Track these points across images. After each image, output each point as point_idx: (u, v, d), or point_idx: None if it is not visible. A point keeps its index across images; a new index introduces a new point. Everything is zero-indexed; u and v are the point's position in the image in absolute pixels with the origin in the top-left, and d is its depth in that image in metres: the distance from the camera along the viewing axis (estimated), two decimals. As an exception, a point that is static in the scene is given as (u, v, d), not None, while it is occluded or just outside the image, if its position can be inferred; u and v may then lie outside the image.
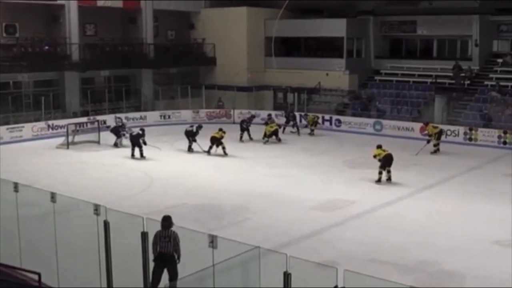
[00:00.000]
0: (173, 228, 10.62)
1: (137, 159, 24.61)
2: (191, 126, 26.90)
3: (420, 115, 31.84)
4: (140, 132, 25.16)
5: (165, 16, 38.30)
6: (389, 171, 20.46)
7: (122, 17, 36.56)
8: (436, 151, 25.94)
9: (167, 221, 10.65)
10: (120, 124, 28.37)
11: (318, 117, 31.87)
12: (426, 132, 27.09)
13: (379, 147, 20.99)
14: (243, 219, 16.66)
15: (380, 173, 20.38)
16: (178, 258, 10.59)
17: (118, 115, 31.51)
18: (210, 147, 25.44)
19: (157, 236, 10.55)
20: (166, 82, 38.39)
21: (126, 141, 26.85)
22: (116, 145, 27.31)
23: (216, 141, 25.31)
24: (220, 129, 25.70)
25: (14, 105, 31.59)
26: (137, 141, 24.88)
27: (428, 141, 26.07)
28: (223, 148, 25.32)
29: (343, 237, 15.17)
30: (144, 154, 24.73)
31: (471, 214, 17.16)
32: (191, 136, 26.15)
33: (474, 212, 17.31)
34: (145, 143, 24.91)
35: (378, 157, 20.58)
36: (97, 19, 35.38)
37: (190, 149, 26.14)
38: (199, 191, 19.41)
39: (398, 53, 38.15)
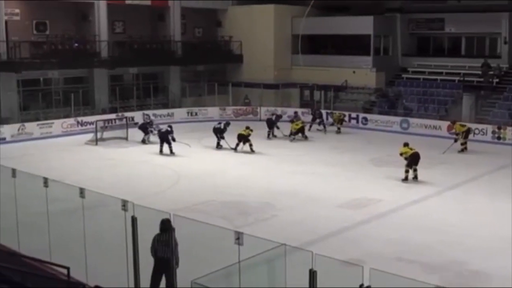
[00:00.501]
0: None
1: (165, 155, 24.82)
2: (219, 123, 27.02)
3: (447, 114, 31.55)
4: (169, 128, 25.36)
5: (193, 14, 38.47)
6: (415, 170, 20.32)
7: (150, 14, 36.85)
8: (463, 150, 25.73)
9: (164, 224, 10.24)
10: (148, 121, 28.64)
11: (344, 115, 31.74)
12: (453, 130, 26.85)
13: (406, 145, 20.86)
14: (269, 216, 16.72)
15: (407, 171, 20.27)
16: (177, 263, 10.29)
17: (146, 112, 31.86)
18: (237, 144, 25.56)
19: (155, 239, 10.37)
20: (193, 79, 38.57)
21: (154, 137, 27.08)
22: (143, 141, 27.57)
23: (243, 138, 25.41)
24: (247, 127, 25.80)
25: (44, 102, 32.02)
26: (166, 137, 25.09)
27: (456, 140, 25.88)
28: (250, 145, 25.41)
29: (369, 235, 15.15)
30: (174, 150, 24.96)
31: (498, 213, 16.98)
32: (219, 133, 26.33)
33: (501, 211, 17.11)
34: (174, 140, 25.10)
35: (404, 155, 20.48)
36: (125, 16, 35.70)
37: (218, 146, 26.33)
38: (226, 188, 19.51)
39: (425, 50, 37.86)
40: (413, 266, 12.76)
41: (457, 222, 16.15)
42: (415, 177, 20.35)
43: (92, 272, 10.43)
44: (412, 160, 20.29)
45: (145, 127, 27.84)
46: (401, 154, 20.61)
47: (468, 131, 26.17)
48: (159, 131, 25.95)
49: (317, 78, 36.13)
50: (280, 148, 26.92)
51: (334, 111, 32.27)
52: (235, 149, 25.57)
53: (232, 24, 39.12)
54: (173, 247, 10.12)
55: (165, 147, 24.99)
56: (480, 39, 35.64)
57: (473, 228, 15.68)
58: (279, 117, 30.66)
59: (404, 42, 37.48)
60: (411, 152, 20.38)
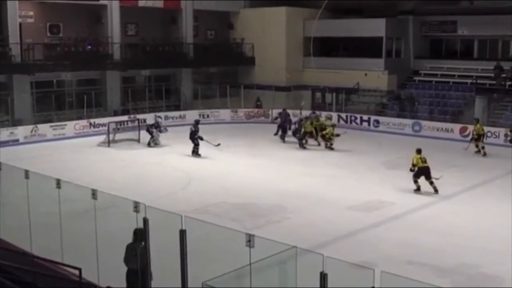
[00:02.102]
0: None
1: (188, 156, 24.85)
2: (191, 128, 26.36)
3: (460, 116, 31.44)
4: (193, 128, 25.25)
5: (205, 16, 38.59)
6: (431, 183, 19.19)
7: (162, 17, 36.97)
8: (479, 151, 25.66)
9: (135, 233, 9.99)
10: (152, 122, 28.46)
11: (333, 135, 27.21)
12: (474, 129, 26.49)
13: (418, 152, 19.92)
14: (280, 218, 16.73)
15: (416, 181, 19.35)
16: (150, 274, 9.94)
17: (157, 114, 31.84)
18: (304, 140, 26.91)
19: (128, 248, 10.10)
20: (205, 81, 38.68)
21: (162, 139, 27.11)
22: (149, 144, 27.45)
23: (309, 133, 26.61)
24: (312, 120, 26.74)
25: (57, 103, 32.25)
26: (192, 138, 25.05)
27: (472, 139, 25.77)
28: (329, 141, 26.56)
29: (380, 238, 15.12)
30: (199, 152, 24.98)
31: (510, 216, 16.88)
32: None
33: (514, 215, 17.03)
34: (201, 138, 24.97)
35: (413, 167, 19.50)
36: (138, 19, 35.88)
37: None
38: (237, 190, 19.53)
39: (438, 53, 37.76)
40: (424, 269, 12.72)
41: (469, 225, 16.09)
42: (436, 190, 19.16)
43: (103, 273, 10.47)
44: (419, 174, 19.29)
45: (150, 130, 27.74)
46: (413, 165, 19.51)
47: (482, 135, 26.08)
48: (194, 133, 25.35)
49: (329, 80, 36.12)
50: (291, 150, 26.91)
51: (322, 120, 29.23)
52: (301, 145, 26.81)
53: (244, 27, 39.20)
54: (144, 258, 9.76)
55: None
56: (492, 41, 35.48)
57: (485, 231, 15.61)
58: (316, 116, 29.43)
59: (417, 45, 37.39)
60: (421, 165, 19.27)
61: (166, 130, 27.93)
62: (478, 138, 26.05)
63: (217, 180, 21.22)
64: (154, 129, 27.66)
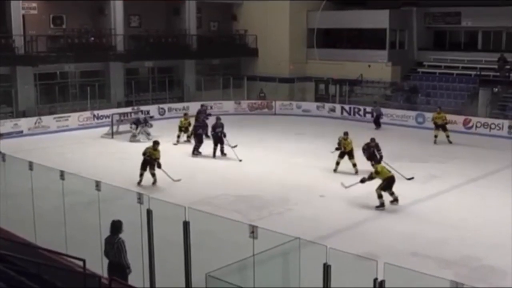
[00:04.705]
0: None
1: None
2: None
3: (463, 108, 31.37)
4: (217, 125, 23.57)
5: (208, 8, 38.51)
6: (392, 193, 16.98)
7: (166, 8, 36.92)
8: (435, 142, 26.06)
9: (113, 226, 10.19)
10: (139, 117, 27.99)
11: None
12: (434, 117, 27.24)
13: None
14: (283, 210, 16.76)
15: (380, 196, 16.85)
16: (128, 267, 10.21)
17: (161, 106, 31.65)
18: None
19: (106, 241, 10.30)
20: (208, 73, 38.67)
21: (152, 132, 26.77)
22: (134, 137, 26.78)
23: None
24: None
25: (61, 95, 32.25)
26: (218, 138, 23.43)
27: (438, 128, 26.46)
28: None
29: (383, 230, 15.14)
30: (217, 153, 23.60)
31: (515, 209, 16.89)
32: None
33: (518, 207, 17.02)
34: (224, 135, 23.42)
35: (378, 176, 17.02)
36: (141, 10, 35.82)
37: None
38: (240, 182, 19.55)
39: (441, 45, 37.64)
40: (427, 261, 12.74)
41: (473, 218, 16.09)
42: (395, 200, 17.06)
43: (107, 264, 10.51)
44: (387, 185, 16.93)
45: (137, 124, 27.21)
46: (376, 173, 17.13)
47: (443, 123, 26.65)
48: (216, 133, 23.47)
49: (332, 72, 36.04)
50: (295, 142, 26.89)
51: None
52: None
53: (247, 18, 39.13)
54: (119, 251, 10.01)
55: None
56: (497, 33, 35.34)
57: (489, 223, 15.61)
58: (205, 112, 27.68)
59: (420, 36, 37.28)
60: (388, 175, 17.06)
61: (151, 125, 27.60)
62: (439, 126, 26.48)
63: (220, 172, 21.25)
64: (140, 124, 27.18)
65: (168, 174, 19.28)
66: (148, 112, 31.37)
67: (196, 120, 25.53)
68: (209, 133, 24.60)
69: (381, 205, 16.79)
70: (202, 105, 28.75)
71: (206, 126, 25.38)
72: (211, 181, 19.80)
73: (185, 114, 27.34)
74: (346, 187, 17.87)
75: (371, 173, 17.26)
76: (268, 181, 19.85)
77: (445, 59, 35.62)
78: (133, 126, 27.16)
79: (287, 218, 15.95)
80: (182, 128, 26.32)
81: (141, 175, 19.12)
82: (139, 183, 18.98)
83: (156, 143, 19.55)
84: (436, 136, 26.28)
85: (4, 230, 11.98)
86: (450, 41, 37.74)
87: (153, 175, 19.21)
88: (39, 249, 10.23)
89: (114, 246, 10.10)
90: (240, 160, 22.38)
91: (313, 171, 21.26)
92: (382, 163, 18.22)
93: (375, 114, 31.25)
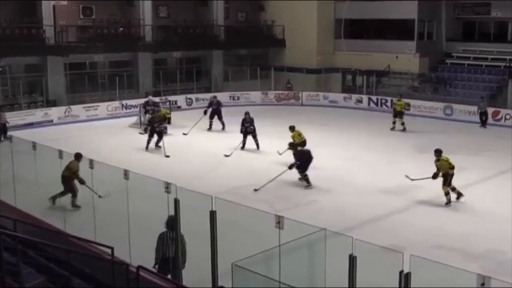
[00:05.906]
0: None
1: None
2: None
3: (492, 100, 31.01)
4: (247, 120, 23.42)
5: (236, -2, 38.57)
6: (454, 189, 16.64)
7: (194, -1, 37.04)
8: (394, 128, 27.41)
9: (171, 222, 10.11)
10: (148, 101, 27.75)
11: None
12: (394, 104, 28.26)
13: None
14: (309, 201, 16.80)
15: (448, 193, 16.49)
16: (184, 262, 10.29)
17: (188, 96, 31.65)
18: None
19: (162, 237, 10.31)
20: (236, 63, 38.74)
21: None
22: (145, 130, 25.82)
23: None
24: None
25: (90, 85, 32.59)
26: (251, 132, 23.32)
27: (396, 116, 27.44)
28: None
29: (409, 222, 15.11)
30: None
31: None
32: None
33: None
34: (253, 130, 23.29)
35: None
36: (169, 1, 35.95)
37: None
38: (266, 173, 19.58)
39: (471, 36, 37.14)
40: (453, 254, 12.69)
41: (500, 211, 15.91)
42: (458, 195, 16.65)
43: (135, 252, 10.66)
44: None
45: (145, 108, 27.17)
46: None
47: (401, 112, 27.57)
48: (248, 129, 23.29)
49: (360, 63, 35.86)
50: (320, 132, 26.81)
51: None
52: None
53: (274, 9, 39.05)
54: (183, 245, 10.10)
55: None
56: (527, 24, 34.85)
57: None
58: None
59: (449, 27, 36.87)
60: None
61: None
62: (397, 114, 27.33)
63: (247, 162, 21.34)
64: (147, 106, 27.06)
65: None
66: (175, 102, 31.54)
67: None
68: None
69: (448, 202, 16.37)
70: (214, 97, 28.76)
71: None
72: (237, 171, 19.96)
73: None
74: (412, 180, 17.42)
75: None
76: (294, 171, 19.83)
77: (474, 50, 35.18)
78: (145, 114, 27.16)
79: (312, 209, 15.99)
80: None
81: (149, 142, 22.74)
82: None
83: None
84: (394, 123, 27.32)
85: (35, 218, 12.21)
86: (479, 32, 37.24)
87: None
88: (68, 237, 10.41)
89: (173, 242, 10.09)
90: (280, 154, 21.12)
91: (338, 162, 21.23)
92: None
93: (479, 111, 28.90)
